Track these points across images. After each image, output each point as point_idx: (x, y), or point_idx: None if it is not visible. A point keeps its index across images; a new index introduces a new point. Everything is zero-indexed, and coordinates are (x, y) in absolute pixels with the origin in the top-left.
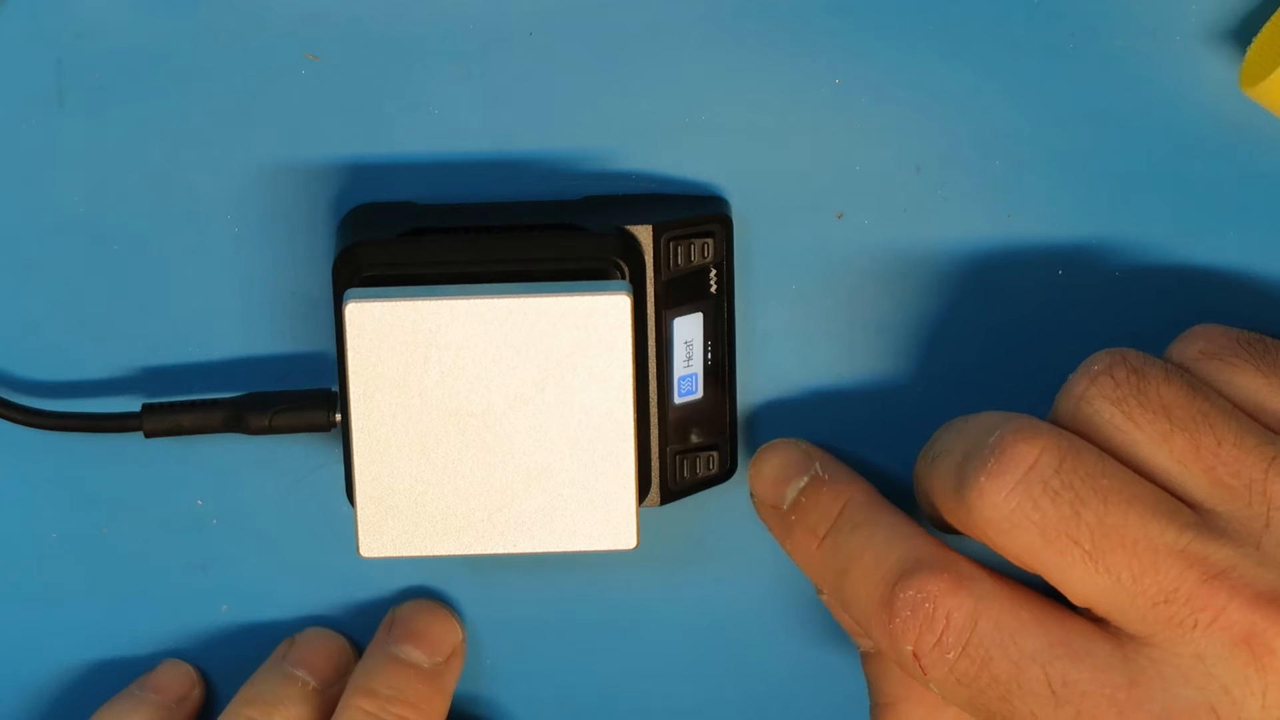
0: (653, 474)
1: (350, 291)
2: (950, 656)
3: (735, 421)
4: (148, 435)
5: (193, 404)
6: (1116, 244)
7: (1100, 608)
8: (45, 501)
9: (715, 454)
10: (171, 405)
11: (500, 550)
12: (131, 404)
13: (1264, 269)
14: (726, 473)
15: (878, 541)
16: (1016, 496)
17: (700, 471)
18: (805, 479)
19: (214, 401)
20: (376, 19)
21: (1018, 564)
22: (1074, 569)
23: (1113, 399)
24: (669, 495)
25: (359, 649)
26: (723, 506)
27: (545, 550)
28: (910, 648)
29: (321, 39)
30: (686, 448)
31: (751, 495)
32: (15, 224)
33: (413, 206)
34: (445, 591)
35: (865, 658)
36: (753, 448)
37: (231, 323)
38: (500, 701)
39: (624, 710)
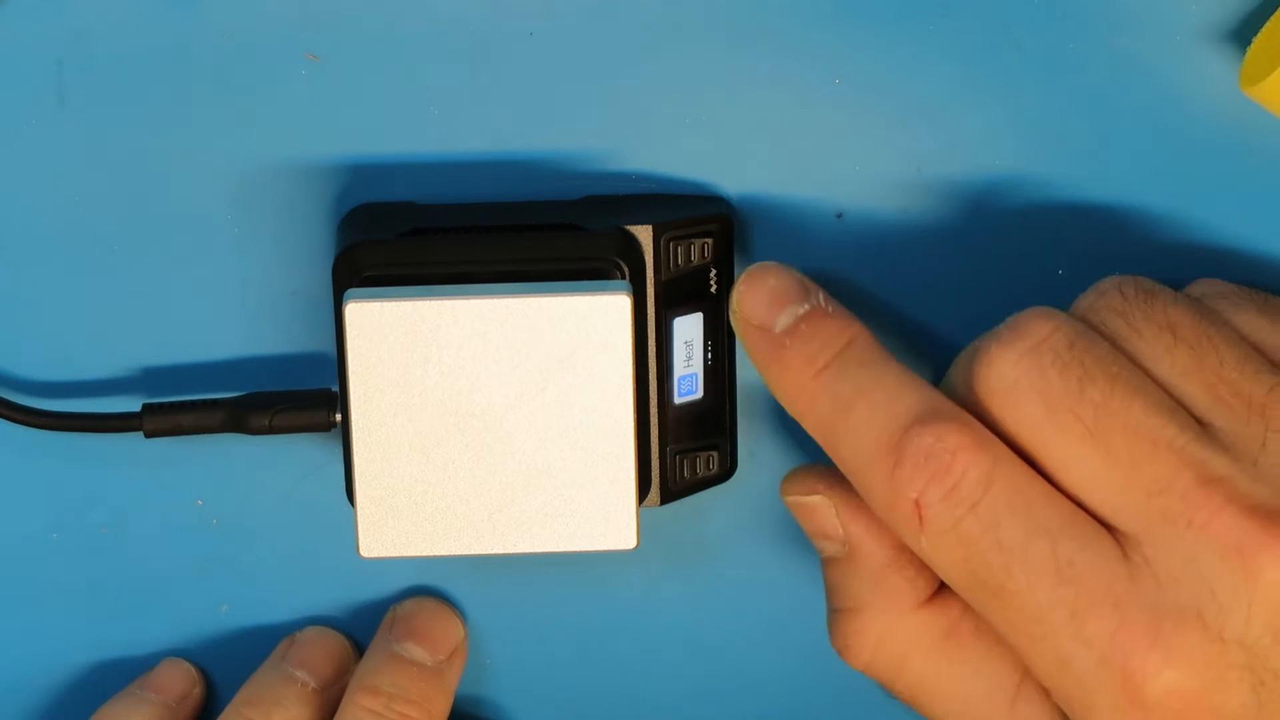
0: (653, 474)
1: (350, 291)
2: (958, 513)
3: (735, 421)
4: (148, 435)
5: (193, 404)
6: (1116, 244)
7: (1095, 495)
8: (45, 501)
9: (715, 454)
10: (171, 405)
11: (500, 550)
12: (131, 404)
13: (1264, 269)
14: (726, 473)
15: (890, 382)
16: (1025, 363)
17: (700, 471)
18: (806, 306)
19: (214, 401)
20: (376, 19)
21: (1017, 441)
22: (1073, 447)
23: (1119, 310)
24: (669, 495)
25: (359, 649)
26: (723, 506)
27: (545, 550)
28: (914, 495)
29: (321, 39)
30: (686, 448)
31: (732, 313)
32: (15, 224)
33: (413, 206)
34: (445, 591)
35: (828, 563)
36: (753, 447)
37: (231, 323)
38: (501, 701)
39: (624, 710)
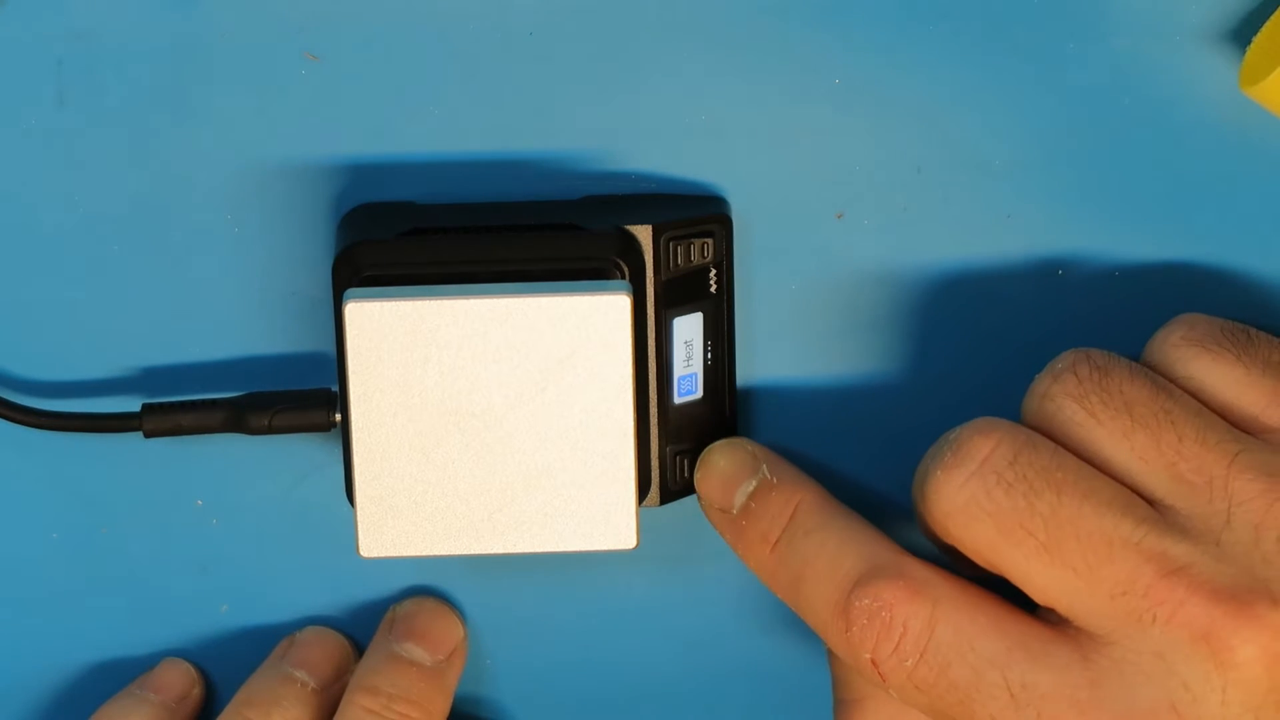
0: (653, 474)
1: (350, 291)
2: (909, 664)
3: (735, 421)
4: (148, 435)
5: (193, 404)
6: (1116, 244)
7: (1060, 604)
8: (45, 501)
9: None
10: (171, 405)
11: (500, 550)
12: (131, 404)
13: (1264, 269)
14: None
15: (830, 547)
16: (970, 487)
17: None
18: (754, 482)
19: (214, 401)
20: (376, 19)
21: (979, 561)
22: (1030, 561)
23: (1075, 395)
24: (669, 495)
25: (359, 649)
26: None
27: (545, 550)
28: (868, 656)
29: (321, 39)
30: (686, 448)
31: (700, 500)
32: (15, 224)
33: (413, 206)
34: (445, 591)
35: (831, 654)
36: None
37: (231, 323)
38: (500, 701)
39: (624, 710)
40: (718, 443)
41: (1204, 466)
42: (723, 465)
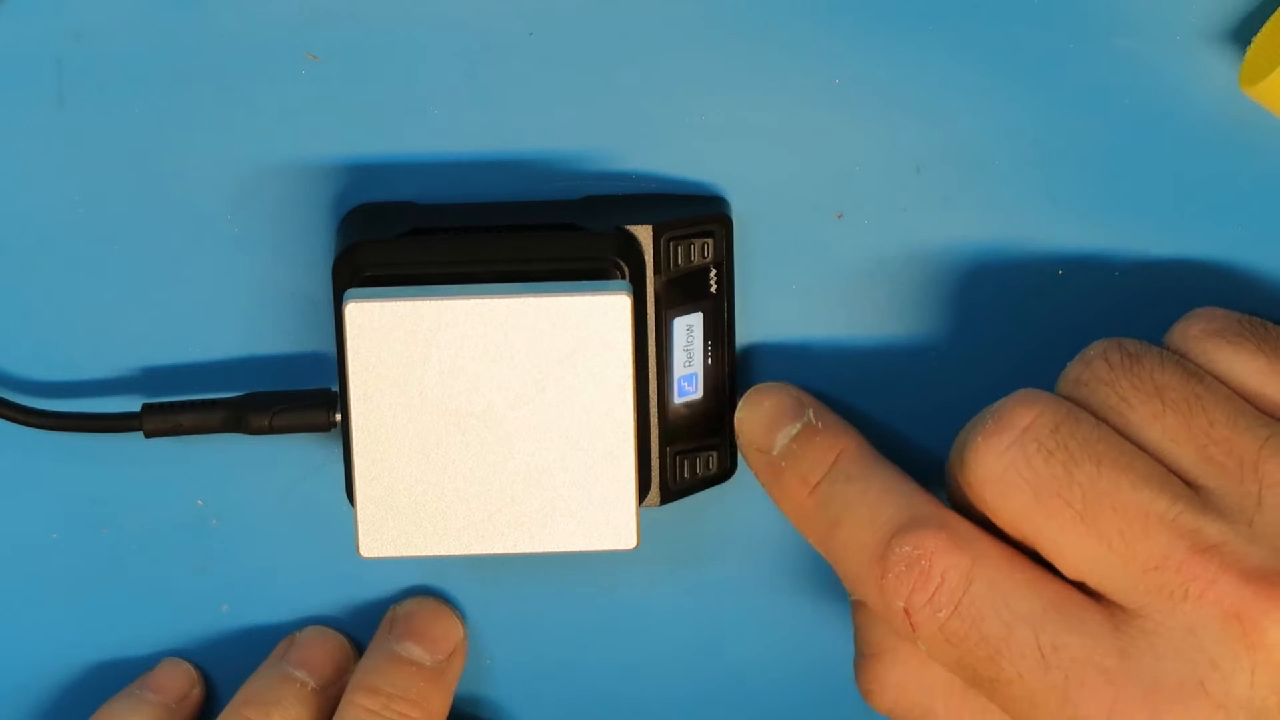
0: (653, 474)
1: (350, 291)
2: (941, 615)
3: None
4: (148, 435)
5: (193, 404)
6: (1116, 244)
7: (1091, 577)
8: (45, 501)
9: (715, 454)
10: (171, 405)
11: (500, 550)
12: (131, 404)
13: (1264, 269)
14: (726, 473)
15: (873, 494)
16: (1010, 454)
17: (700, 471)
18: (798, 425)
19: (214, 401)
20: (376, 19)
21: (1012, 532)
22: (1066, 531)
23: (1107, 380)
24: (669, 495)
25: (359, 649)
26: (723, 506)
27: (545, 550)
28: (901, 604)
29: (321, 39)
30: (686, 448)
31: (738, 437)
32: (15, 224)
33: (413, 206)
34: (445, 591)
35: (856, 605)
36: None
37: (231, 323)
38: (501, 701)
39: (624, 709)
40: (763, 384)
41: (1235, 449)
42: (768, 405)
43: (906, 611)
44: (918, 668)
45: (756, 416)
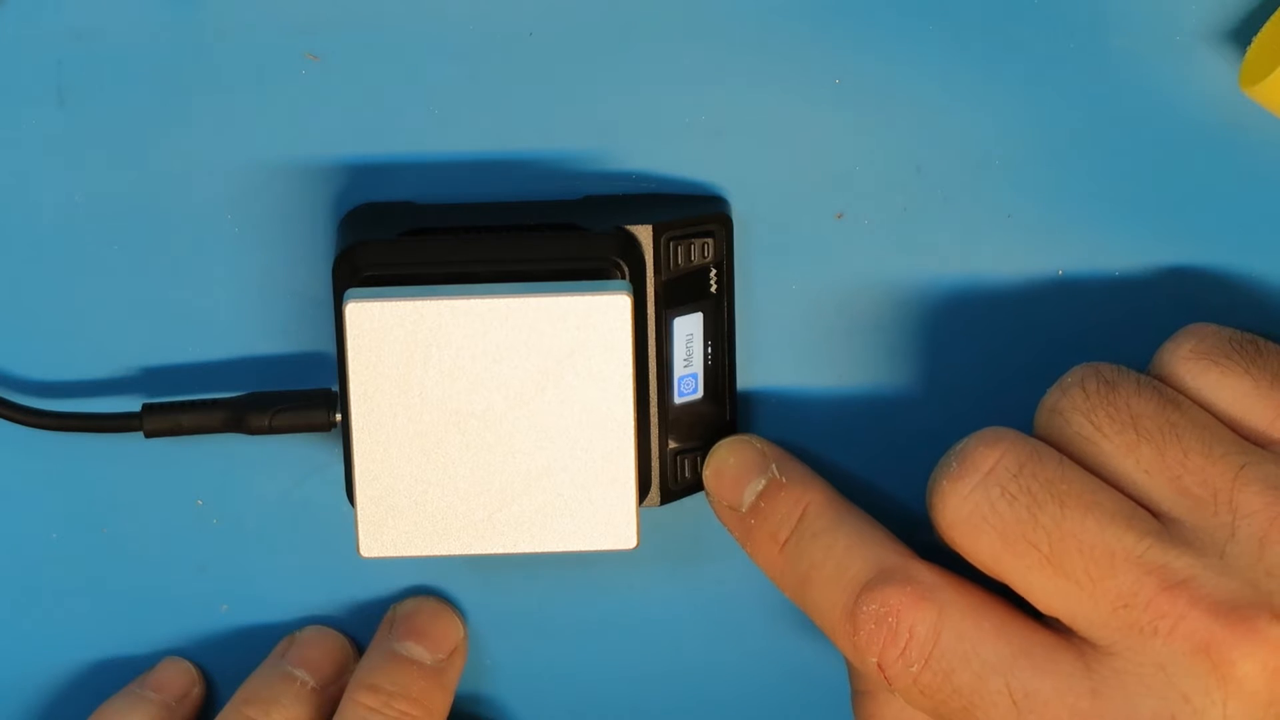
0: (653, 474)
1: (350, 291)
2: (914, 669)
3: (735, 421)
4: (148, 435)
5: (193, 404)
6: (1116, 244)
7: (1064, 614)
8: (45, 501)
9: None
10: (171, 405)
11: (500, 550)
12: (131, 404)
13: (1263, 269)
14: None
15: (838, 551)
16: (974, 498)
17: (700, 471)
18: (763, 481)
19: (214, 401)
20: (376, 19)
21: (985, 571)
22: (1033, 573)
23: (1082, 410)
24: (669, 495)
25: (359, 648)
26: None
27: (545, 550)
28: (875, 660)
29: (321, 39)
30: (686, 448)
31: (707, 496)
32: (15, 224)
33: (413, 206)
34: (445, 590)
35: None
36: None
37: (231, 323)
38: (501, 700)
39: (624, 710)
40: (727, 439)
41: (1209, 479)
42: (732, 463)
43: (880, 666)
44: (908, 705)
45: (721, 474)
